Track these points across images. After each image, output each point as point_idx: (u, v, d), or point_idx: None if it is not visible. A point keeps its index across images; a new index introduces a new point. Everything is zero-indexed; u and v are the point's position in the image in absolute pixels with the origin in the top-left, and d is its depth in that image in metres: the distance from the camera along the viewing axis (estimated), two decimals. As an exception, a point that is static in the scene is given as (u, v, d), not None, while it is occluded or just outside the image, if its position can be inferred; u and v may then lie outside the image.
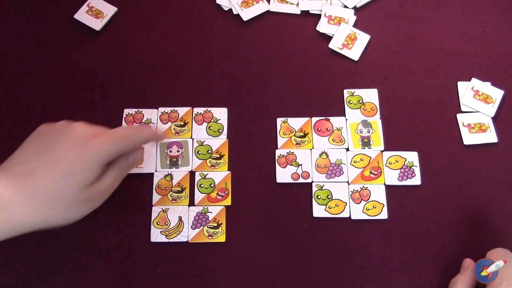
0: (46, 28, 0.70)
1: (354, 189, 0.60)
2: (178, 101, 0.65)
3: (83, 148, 0.46)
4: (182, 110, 0.64)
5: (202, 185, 0.61)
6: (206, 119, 0.64)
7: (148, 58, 0.68)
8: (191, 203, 0.60)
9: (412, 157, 0.62)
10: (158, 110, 0.65)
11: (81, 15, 0.70)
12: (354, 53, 0.67)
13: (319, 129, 0.63)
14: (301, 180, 0.61)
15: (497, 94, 0.65)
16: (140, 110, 0.64)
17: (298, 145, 0.63)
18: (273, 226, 0.59)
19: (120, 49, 0.69)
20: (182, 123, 0.64)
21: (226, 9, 0.71)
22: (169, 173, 0.61)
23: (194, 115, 0.64)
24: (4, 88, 0.65)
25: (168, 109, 0.65)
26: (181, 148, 0.62)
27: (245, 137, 0.63)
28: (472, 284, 0.53)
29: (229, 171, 0.61)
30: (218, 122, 0.64)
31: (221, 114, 0.64)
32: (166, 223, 0.59)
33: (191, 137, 0.63)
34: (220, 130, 0.63)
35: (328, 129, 0.63)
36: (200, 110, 0.64)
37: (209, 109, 0.65)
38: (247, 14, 0.70)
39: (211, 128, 0.63)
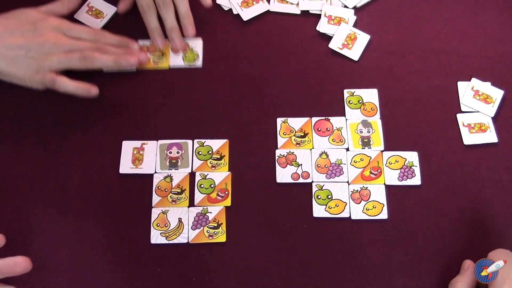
0: (46, 28, 0.70)
1: (354, 189, 0.60)
2: (178, 101, 0.65)
3: None
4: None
5: (202, 186, 0.61)
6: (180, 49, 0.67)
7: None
8: (191, 204, 0.60)
9: (412, 157, 0.62)
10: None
11: (81, 15, 0.70)
12: (354, 53, 0.67)
13: (319, 129, 0.63)
14: (301, 180, 0.61)
15: (497, 94, 0.65)
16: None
17: (298, 145, 0.63)
18: (273, 226, 0.59)
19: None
20: (161, 54, 0.67)
21: (226, 9, 0.71)
22: (169, 174, 0.61)
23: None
24: (4, 88, 0.65)
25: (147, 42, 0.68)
26: (181, 149, 0.62)
27: (245, 137, 0.63)
28: (472, 285, 0.53)
29: (229, 172, 0.61)
30: (194, 51, 0.67)
31: (196, 44, 0.68)
32: (166, 225, 0.59)
33: (169, 67, 0.67)
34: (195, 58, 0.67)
35: (328, 129, 0.63)
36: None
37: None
38: (247, 14, 0.70)
39: (187, 56, 0.66)
